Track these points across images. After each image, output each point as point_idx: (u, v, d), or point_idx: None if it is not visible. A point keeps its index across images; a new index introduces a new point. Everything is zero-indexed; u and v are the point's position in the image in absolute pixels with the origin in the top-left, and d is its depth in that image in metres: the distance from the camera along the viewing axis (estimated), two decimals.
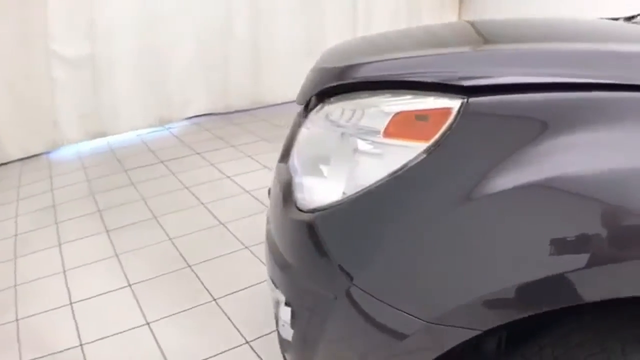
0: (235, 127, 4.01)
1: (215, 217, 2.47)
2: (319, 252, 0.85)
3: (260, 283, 1.89)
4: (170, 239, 2.25)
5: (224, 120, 4.21)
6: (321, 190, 0.88)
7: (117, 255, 2.13)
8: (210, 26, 4.06)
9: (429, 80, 0.78)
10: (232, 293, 1.89)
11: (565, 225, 0.64)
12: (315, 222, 0.84)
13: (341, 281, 0.80)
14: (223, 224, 2.39)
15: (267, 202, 1.08)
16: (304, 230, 0.86)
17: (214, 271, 2.03)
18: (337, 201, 0.82)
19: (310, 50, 4.67)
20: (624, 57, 0.76)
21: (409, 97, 0.81)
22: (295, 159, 0.98)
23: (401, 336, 0.76)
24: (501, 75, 0.75)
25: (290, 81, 4.56)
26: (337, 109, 0.90)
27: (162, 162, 3.29)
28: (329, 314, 0.85)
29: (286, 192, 0.94)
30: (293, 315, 0.93)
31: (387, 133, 0.80)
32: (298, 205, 0.90)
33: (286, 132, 1.08)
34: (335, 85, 0.91)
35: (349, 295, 0.80)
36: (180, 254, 2.13)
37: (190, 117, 4.18)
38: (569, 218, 0.64)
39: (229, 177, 2.98)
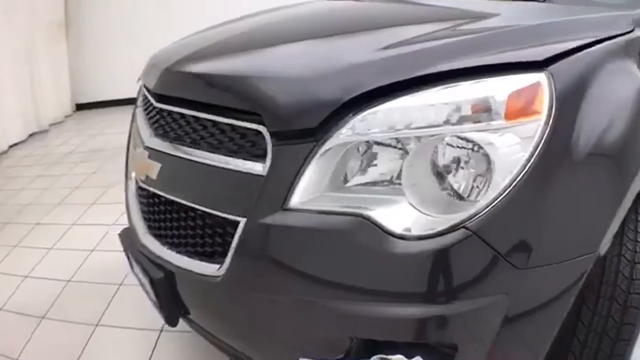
0: None
1: None
2: (479, 262, 0.80)
3: None
4: None
5: None
6: (443, 205, 0.81)
7: None
8: None
9: (508, 60, 0.84)
10: None
11: None
12: (478, 232, 0.78)
13: (512, 275, 0.80)
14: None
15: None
16: (452, 251, 0.79)
17: None
18: (490, 202, 0.78)
19: None
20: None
21: (491, 79, 0.82)
22: (352, 188, 0.85)
23: (581, 275, 0.86)
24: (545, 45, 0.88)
25: None
26: (392, 114, 0.82)
27: None
28: (504, 314, 0.82)
29: (362, 234, 0.81)
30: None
31: (508, 116, 0.79)
32: (402, 235, 0.80)
33: None
34: (371, 90, 0.83)
35: (523, 283, 0.81)
36: None
37: None
38: None
39: None
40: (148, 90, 1.31)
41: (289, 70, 0.96)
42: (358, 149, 0.86)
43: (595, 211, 0.88)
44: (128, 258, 1.38)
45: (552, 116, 0.81)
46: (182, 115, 1.11)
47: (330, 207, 0.85)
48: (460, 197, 0.82)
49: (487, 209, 0.79)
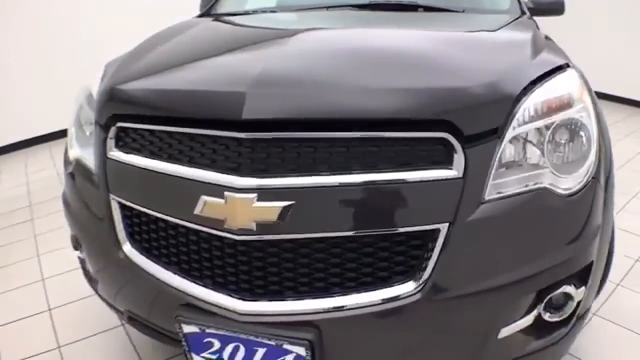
0: None
1: None
2: (599, 197, 1.03)
3: None
4: None
5: None
6: (571, 167, 1.00)
7: None
8: None
9: (558, 64, 1.09)
10: None
11: None
12: (596, 177, 1.02)
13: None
14: None
15: None
16: (592, 196, 1.01)
17: None
18: (594, 154, 1.02)
19: None
20: None
21: (559, 77, 1.05)
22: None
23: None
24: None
25: None
26: (533, 108, 0.97)
27: None
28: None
29: (545, 200, 0.95)
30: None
31: (580, 101, 1.03)
32: (562, 194, 0.97)
33: None
34: None
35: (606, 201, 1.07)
36: None
37: None
38: None
39: None
40: (189, 122, 0.98)
41: (471, 77, 0.96)
42: (517, 138, 0.96)
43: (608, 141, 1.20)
44: (189, 344, 1.01)
45: (588, 98, 1.07)
46: (315, 140, 0.90)
47: (519, 189, 0.94)
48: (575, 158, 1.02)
49: (595, 160, 1.04)
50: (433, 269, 0.90)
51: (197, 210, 0.93)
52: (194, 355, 1.02)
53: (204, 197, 0.92)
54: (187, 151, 0.98)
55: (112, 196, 1.11)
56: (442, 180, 0.89)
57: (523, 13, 1.61)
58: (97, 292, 1.36)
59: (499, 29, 1.34)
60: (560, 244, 0.98)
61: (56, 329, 1.72)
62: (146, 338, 1.61)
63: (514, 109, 0.95)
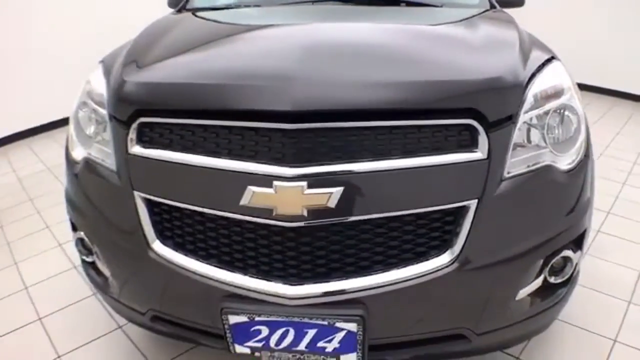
0: None
1: None
2: (588, 171, 1.16)
3: None
4: None
5: None
6: (566, 146, 1.10)
7: None
8: None
9: (549, 56, 1.23)
10: None
11: None
12: (587, 154, 1.14)
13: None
14: None
15: None
16: (585, 170, 1.13)
17: None
18: (584, 135, 1.14)
19: None
20: None
21: (548, 68, 1.16)
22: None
23: None
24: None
25: None
26: (534, 95, 1.08)
27: None
28: None
29: (551, 174, 1.06)
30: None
31: (569, 90, 1.15)
32: (562, 169, 1.08)
33: None
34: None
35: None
36: None
37: None
38: None
39: None
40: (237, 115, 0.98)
41: (490, 70, 1.03)
42: (524, 124, 1.06)
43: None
44: (234, 334, 1.02)
45: (573, 85, 1.19)
46: (357, 129, 0.94)
47: (529, 167, 1.05)
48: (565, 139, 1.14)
49: (585, 139, 1.16)
50: (465, 241, 0.98)
51: (243, 201, 0.94)
52: (237, 346, 1.04)
53: (252, 188, 0.93)
54: (225, 144, 0.99)
55: (137, 194, 1.07)
56: (471, 161, 0.97)
57: (492, 6, 1.73)
58: (107, 294, 1.31)
59: (490, 23, 1.44)
60: (563, 213, 1.10)
61: (52, 338, 1.64)
62: (149, 338, 1.59)
63: (522, 97, 1.04)
